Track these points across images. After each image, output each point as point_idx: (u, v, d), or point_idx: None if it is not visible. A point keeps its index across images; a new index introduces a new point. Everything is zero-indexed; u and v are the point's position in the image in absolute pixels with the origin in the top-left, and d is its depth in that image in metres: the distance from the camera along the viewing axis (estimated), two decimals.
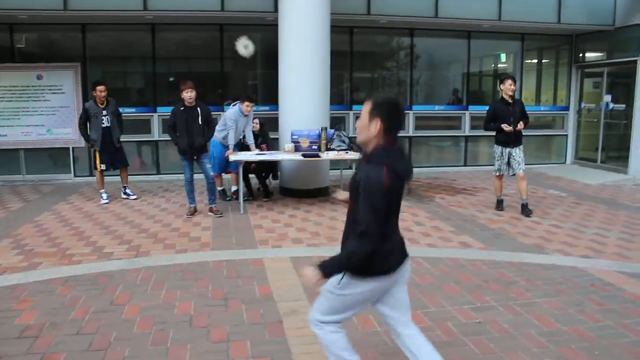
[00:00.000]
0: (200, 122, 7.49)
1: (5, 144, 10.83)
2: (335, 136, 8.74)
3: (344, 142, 8.68)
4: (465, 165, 12.68)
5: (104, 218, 7.66)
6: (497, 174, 7.95)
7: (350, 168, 8.40)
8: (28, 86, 10.76)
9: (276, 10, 9.84)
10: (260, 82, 11.88)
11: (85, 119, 8.40)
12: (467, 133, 12.56)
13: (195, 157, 7.59)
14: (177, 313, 4.29)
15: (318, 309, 2.82)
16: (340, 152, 8.42)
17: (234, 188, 8.85)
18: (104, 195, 8.63)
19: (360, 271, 2.64)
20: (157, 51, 11.10)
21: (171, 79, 11.38)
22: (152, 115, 11.06)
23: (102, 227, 7.12)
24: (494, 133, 7.91)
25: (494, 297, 4.68)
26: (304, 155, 8.09)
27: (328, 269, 2.58)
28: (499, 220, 7.49)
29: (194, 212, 7.74)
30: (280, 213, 7.89)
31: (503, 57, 13.44)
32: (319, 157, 8.19)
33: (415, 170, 2.87)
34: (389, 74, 12.69)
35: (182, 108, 7.49)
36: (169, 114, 7.67)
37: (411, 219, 7.53)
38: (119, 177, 9.08)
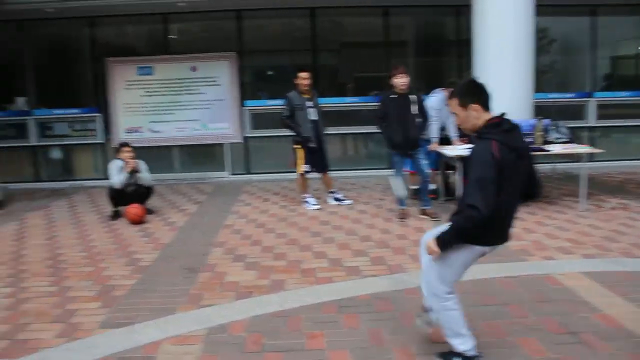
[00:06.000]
0: (415, 112, 6.44)
1: (160, 141, 10.21)
2: (551, 127, 7.45)
3: (563, 133, 7.37)
4: None
5: (303, 222, 6.77)
6: None
7: (578, 161, 7.08)
8: (182, 79, 10.09)
9: None
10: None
11: (290, 112, 7.40)
12: None
13: (409, 152, 6.55)
14: (525, 352, 3.19)
15: (431, 277, 2.97)
16: (567, 146, 7.12)
17: (431, 187, 7.74)
18: (311, 201, 7.49)
19: (467, 239, 2.77)
20: (317, 39, 10.12)
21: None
22: None
23: (313, 234, 6.20)
24: None
25: None
26: None
27: (442, 245, 2.76)
28: None
29: (405, 215, 6.67)
30: None
31: None
32: (547, 151, 6.92)
33: None
34: None
35: (392, 96, 6.46)
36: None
37: None
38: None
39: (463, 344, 2.97)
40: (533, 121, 7.32)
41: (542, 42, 10.57)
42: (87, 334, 3.77)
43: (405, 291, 4.34)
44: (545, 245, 5.50)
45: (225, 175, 10.34)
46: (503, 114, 2.80)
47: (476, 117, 2.78)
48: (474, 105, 2.76)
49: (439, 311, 2.99)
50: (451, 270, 2.93)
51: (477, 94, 2.79)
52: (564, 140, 7.33)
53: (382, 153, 10.40)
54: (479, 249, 2.84)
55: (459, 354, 3.00)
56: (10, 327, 3.92)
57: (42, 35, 10.36)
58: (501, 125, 2.73)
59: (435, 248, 2.78)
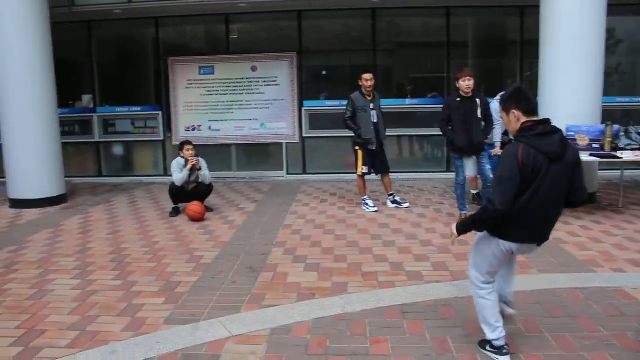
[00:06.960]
0: (479, 116, 6.31)
1: (218, 139, 10.33)
2: (622, 133, 7.16)
3: (635, 140, 7.07)
4: None
5: (362, 224, 6.73)
6: None
7: None
8: (242, 78, 10.18)
9: None
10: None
11: (352, 113, 7.35)
12: None
13: (473, 156, 6.43)
14: None
15: (470, 264, 3.29)
16: (638, 153, 6.83)
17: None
18: (369, 203, 7.43)
19: (492, 231, 3.04)
20: (377, 40, 10.03)
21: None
22: None
23: (372, 236, 6.15)
24: None
25: None
26: (598, 156, 6.62)
27: (460, 227, 3.16)
28: None
29: None
30: (565, 224, 6.46)
31: None
32: (619, 158, 6.65)
33: None
34: None
35: (458, 99, 6.34)
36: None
37: None
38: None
39: (492, 333, 3.16)
40: (602, 127, 7.05)
41: (608, 42, 10.17)
42: (152, 328, 3.83)
43: (469, 299, 4.20)
44: (615, 257, 5.28)
45: (282, 175, 10.37)
46: (544, 120, 2.95)
47: (516, 122, 3.00)
48: (514, 112, 2.97)
49: (474, 298, 3.25)
50: (483, 260, 3.15)
51: (517, 101, 2.99)
52: (635, 147, 7.03)
53: (439, 155, 10.26)
54: (504, 243, 3.03)
55: (489, 342, 3.20)
56: (80, 318, 4.02)
57: (108, 35, 10.67)
58: (534, 130, 2.90)
59: (454, 231, 3.16)
